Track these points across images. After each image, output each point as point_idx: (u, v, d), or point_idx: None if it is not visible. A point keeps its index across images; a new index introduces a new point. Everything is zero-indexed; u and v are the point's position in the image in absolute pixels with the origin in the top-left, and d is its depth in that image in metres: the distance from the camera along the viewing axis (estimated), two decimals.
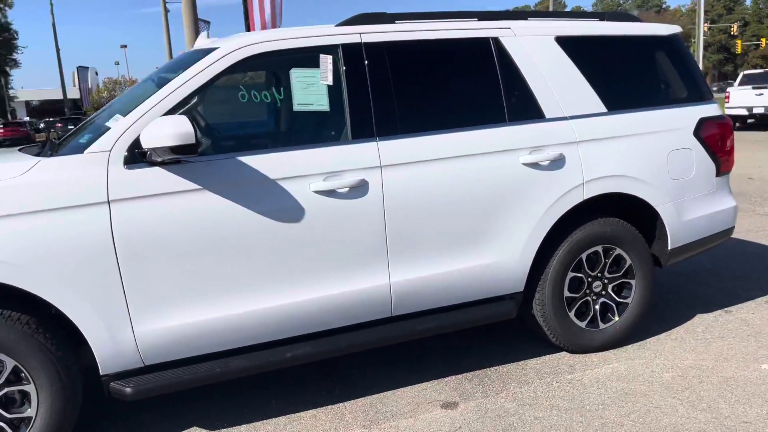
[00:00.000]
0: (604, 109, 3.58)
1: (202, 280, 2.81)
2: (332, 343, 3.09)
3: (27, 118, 49.68)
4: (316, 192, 2.93)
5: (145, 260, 2.71)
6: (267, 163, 2.89)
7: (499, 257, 3.34)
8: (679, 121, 3.77)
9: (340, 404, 3.26)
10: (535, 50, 3.49)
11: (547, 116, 3.45)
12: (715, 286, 4.77)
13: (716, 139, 3.85)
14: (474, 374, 3.50)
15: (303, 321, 3.02)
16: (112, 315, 2.70)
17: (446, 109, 3.33)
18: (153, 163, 2.72)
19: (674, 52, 3.87)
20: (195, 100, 2.91)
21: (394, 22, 3.30)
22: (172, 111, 2.80)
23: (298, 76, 3.05)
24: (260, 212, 2.86)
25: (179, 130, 2.57)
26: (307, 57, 3.09)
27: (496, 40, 3.41)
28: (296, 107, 3.05)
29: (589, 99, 3.56)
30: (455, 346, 3.86)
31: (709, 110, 3.87)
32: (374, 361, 3.70)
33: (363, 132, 3.08)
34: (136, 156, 2.73)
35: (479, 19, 3.48)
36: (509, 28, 3.47)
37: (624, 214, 3.75)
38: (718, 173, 3.90)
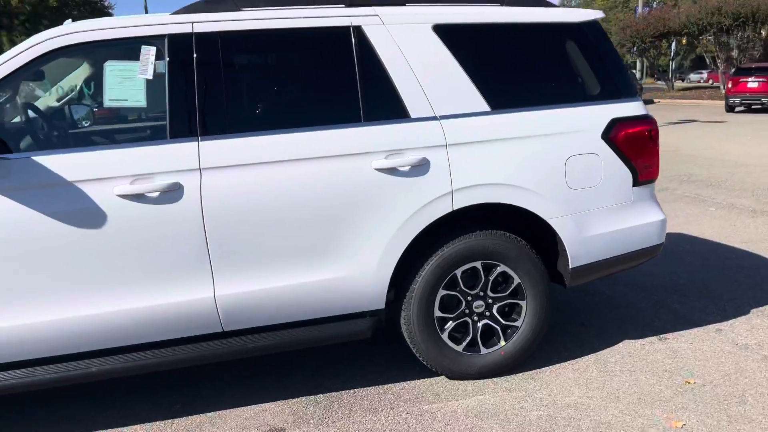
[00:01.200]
0: (486, 108, 3.15)
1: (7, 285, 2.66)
2: (150, 356, 2.88)
3: None
4: (121, 196, 2.71)
5: None
6: (66, 164, 2.69)
7: (350, 271, 3.01)
8: (583, 121, 3.27)
9: (172, 420, 3.06)
10: (405, 41, 3.10)
11: (413, 116, 3.06)
12: (668, 306, 4.21)
13: (632, 142, 3.33)
14: (327, 396, 3.21)
15: (116, 333, 2.83)
16: None
17: (288, 107, 3.01)
18: None
19: (587, 42, 3.36)
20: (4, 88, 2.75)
21: (239, 9, 3.00)
22: None
23: (113, 69, 2.83)
24: (57, 217, 2.67)
25: None
26: (132, 48, 2.86)
27: (357, 29, 3.05)
28: (107, 103, 2.84)
29: (469, 96, 3.13)
30: (327, 364, 3.56)
31: (626, 109, 3.34)
32: (239, 374, 3.47)
33: (183, 131, 2.82)
34: None
35: (347, 5, 3.13)
36: (376, 15, 3.09)
37: (519, 227, 3.32)
38: (637, 182, 3.37)
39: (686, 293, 4.44)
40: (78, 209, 2.68)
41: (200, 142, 2.81)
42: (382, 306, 3.12)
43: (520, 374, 3.36)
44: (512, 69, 3.29)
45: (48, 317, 2.72)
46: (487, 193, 3.11)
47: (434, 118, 3.07)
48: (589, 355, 3.56)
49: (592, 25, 3.39)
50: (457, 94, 3.12)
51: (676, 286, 4.58)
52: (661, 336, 3.78)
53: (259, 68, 3.02)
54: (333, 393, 3.24)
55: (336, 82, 3.06)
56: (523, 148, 3.16)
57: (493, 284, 3.27)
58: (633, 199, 3.39)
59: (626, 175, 3.33)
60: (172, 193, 2.76)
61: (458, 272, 3.18)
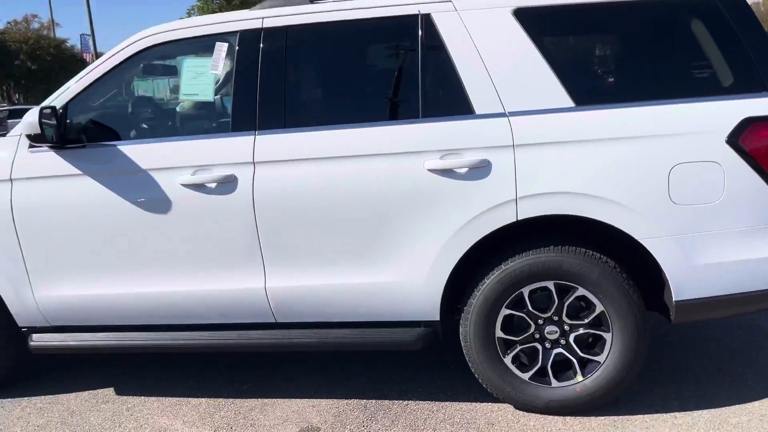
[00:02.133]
0: (569, 103, 2.68)
1: (85, 259, 3.04)
2: (203, 338, 3.04)
3: None
4: (184, 185, 2.89)
5: (38, 234, 3.05)
6: (140, 154, 2.94)
7: (399, 277, 2.83)
8: (699, 121, 2.60)
9: (233, 400, 3.20)
10: (478, 28, 2.77)
11: (477, 112, 2.73)
12: None
13: None
14: (378, 404, 3.07)
15: (181, 310, 3.04)
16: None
17: (348, 101, 2.92)
18: (51, 147, 3.01)
19: (720, 20, 2.65)
20: (100, 87, 3.09)
21: (312, 2, 2.96)
22: (75, 98, 3.04)
23: (189, 65, 3.01)
24: (131, 201, 2.94)
25: (30, 120, 2.80)
26: (209, 45, 3.01)
27: (426, 17, 2.80)
28: (182, 97, 3.02)
29: (548, 90, 2.69)
30: (396, 368, 3.39)
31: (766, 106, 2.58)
32: (312, 365, 3.50)
33: (243, 125, 2.89)
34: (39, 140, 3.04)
35: None
36: (449, 1, 2.81)
37: (609, 246, 2.79)
38: None
39: None
40: (150, 196, 2.92)
41: (257, 136, 2.86)
42: (437, 317, 2.88)
43: (600, 418, 2.84)
44: (609, 57, 2.76)
45: (139, 289, 3.02)
46: (561, 204, 2.67)
47: (502, 115, 2.71)
48: (706, 411, 2.88)
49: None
50: (535, 87, 2.71)
51: None
52: None
53: (322, 62, 2.96)
54: (386, 401, 3.09)
55: (398, 75, 2.87)
56: (611, 151, 2.63)
57: (571, 309, 2.81)
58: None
59: (762, 191, 2.59)
60: (228, 185, 2.86)
61: (525, 291, 2.79)
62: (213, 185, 2.87)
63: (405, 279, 2.83)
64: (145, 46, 3.02)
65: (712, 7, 2.65)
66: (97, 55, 38.10)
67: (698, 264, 2.65)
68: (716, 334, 3.64)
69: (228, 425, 2.97)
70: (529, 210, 2.68)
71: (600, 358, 2.81)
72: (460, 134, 2.73)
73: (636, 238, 2.65)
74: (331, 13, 2.88)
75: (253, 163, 2.84)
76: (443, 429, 2.84)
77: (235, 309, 2.99)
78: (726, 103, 2.60)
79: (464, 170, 2.70)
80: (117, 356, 3.61)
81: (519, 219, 2.70)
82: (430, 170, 2.72)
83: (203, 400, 3.22)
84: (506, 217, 2.70)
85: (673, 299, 2.69)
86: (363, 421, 2.93)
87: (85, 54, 40.30)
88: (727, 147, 2.57)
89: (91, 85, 3.04)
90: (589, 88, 2.71)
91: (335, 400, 3.13)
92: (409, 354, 3.45)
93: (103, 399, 3.30)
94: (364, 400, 3.11)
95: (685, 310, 2.71)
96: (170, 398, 3.27)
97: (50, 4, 52.39)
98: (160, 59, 3.23)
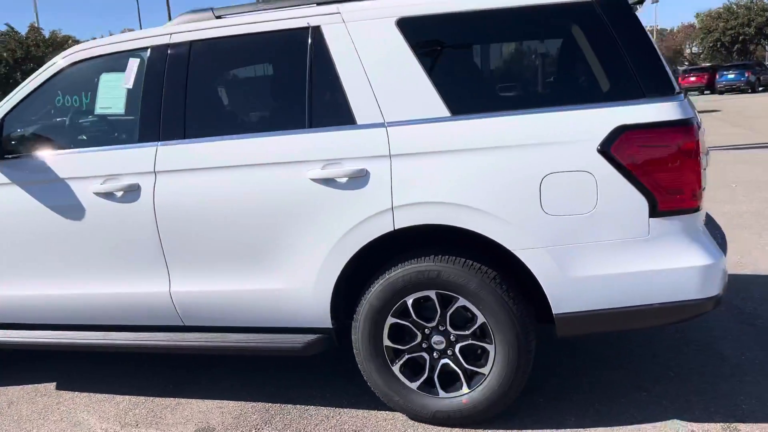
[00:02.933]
0: (445, 113, 2.67)
1: (14, 262, 3.26)
2: (115, 339, 3.20)
3: None
4: (96, 193, 3.06)
5: None
6: (60, 164, 3.14)
7: (289, 284, 2.90)
8: (571, 130, 2.54)
9: (152, 398, 3.35)
10: (363, 39, 2.81)
11: (359, 122, 2.77)
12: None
13: (647, 158, 2.47)
14: (281, 408, 3.14)
15: (100, 313, 3.21)
16: None
17: (242, 112, 3.02)
18: None
19: (598, 24, 2.57)
20: (33, 102, 3.32)
21: (218, 17, 3.08)
22: (11, 112, 3.28)
23: (104, 80, 3.19)
24: (51, 208, 3.13)
25: None
26: (124, 61, 3.18)
27: (316, 29, 2.87)
28: (97, 111, 3.20)
29: (426, 100, 2.69)
30: (317, 374, 3.45)
31: (644, 113, 2.48)
32: (236, 366, 3.61)
33: (149, 135, 3.04)
34: None
35: (317, 4, 2.96)
36: (338, 12, 2.86)
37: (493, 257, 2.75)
38: (656, 212, 2.50)
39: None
40: (65, 203, 3.11)
41: (159, 147, 3.00)
42: (329, 324, 2.93)
43: (491, 431, 2.80)
44: (488, 66, 2.72)
45: (53, 291, 3.22)
46: (435, 213, 2.66)
47: (381, 125, 2.73)
48: (601, 428, 2.78)
49: (611, 1, 2.58)
50: (413, 97, 2.72)
51: None
52: (733, 425, 2.74)
53: (221, 75, 3.06)
54: (289, 405, 3.16)
55: (287, 86, 2.95)
56: (484, 161, 2.61)
57: (458, 320, 2.79)
58: (652, 233, 2.52)
59: (638, 201, 2.50)
60: (132, 193, 3.01)
61: (409, 300, 2.79)
62: (120, 194, 3.03)
63: (294, 286, 2.89)
64: (69, 63, 3.22)
65: (590, 11, 2.58)
66: None
67: (574, 276, 2.58)
68: (657, 350, 3.50)
69: (136, 422, 3.12)
70: (405, 219, 2.69)
71: (485, 370, 2.77)
72: (341, 144, 2.77)
73: (510, 249, 2.61)
74: (230, 28, 2.99)
75: (155, 172, 2.98)
76: None
77: (145, 312, 3.14)
78: (599, 111, 2.52)
79: (344, 180, 2.74)
80: (79, 353, 3.83)
81: (396, 228, 2.71)
82: (312, 180, 2.77)
83: (128, 397, 3.39)
84: (384, 227, 2.72)
85: (554, 312, 2.63)
86: (257, 424, 3.00)
87: None
88: (599, 156, 2.49)
89: (23, 99, 3.28)
90: (465, 97, 2.69)
91: (244, 402, 3.22)
92: (328, 360, 3.51)
93: (42, 392, 3.53)
94: (270, 404, 3.19)
95: (566, 324, 2.65)
96: (101, 394, 3.45)
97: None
98: (90, 74, 3.42)
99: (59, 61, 3.24)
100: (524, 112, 2.59)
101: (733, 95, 34.07)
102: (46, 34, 35.33)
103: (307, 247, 2.83)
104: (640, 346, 3.56)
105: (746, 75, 35.92)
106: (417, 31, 2.75)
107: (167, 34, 3.08)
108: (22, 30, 33.87)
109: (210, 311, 3.06)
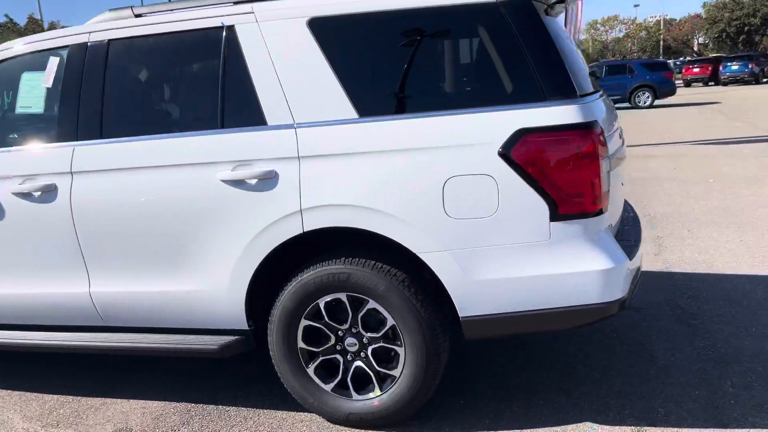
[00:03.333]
0: (353, 115, 2.65)
1: None
2: (40, 338, 3.21)
3: None
4: (14, 194, 3.06)
5: None
6: None
7: (204, 285, 2.89)
8: (472, 133, 2.51)
9: (87, 399, 3.36)
10: (274, 39, 2.78)
11: (270, 123, 2.75)
12: (695, 387, 2.99)
13: (545, 162, 2.44)
14: (202, 408, 3.14)
15: (28, 312, 3.22)
16: None
17: (157, 112, 3.00)
18: None
19: (501, 26, 2.53)
20: None
21: (138, 16, 3.06)
22: None
23: (27, 78, 3.18)
24: None
25: None
26: (46, 59, 3.17)
27: (230, 29, 2.84)
28: (18, 110, 3.19)
29: (335, 101, 2.67)
30: (248, 376, 3.45)
31: (544, 115, 2.45)
32: (166, 367, 3.61)
33: (67, 135, 3.03)
34: None
35: (234, 3, 2.93)
36: (251, 12, 2.83)
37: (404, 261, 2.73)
38: (557, 215, 2.47)
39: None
40: None
41: (75, 147, 2.99)
42: (245, 327, 2.92)
43: None
44: (396, 67, 2.68)
45: None
46: (341, 216, 2.65)
47: (290, 126, 2.71)
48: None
49: (518, 2, 2.55)
50: (322, 98, 2.69)
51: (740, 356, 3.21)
52: (643, 429, 2.72)
53: (137, 74, 3.04)
54: (210, 406, 3.16)
55: (205, 87, 2.92)
56: (388, 164, 2.59)
57: (371, 323, 2.78)
58: (553, 237, 2.50)
59: (538, 205, 2.47)
60: (50, 194, 3.01)
61: (321, 302, 2.78)
62: (38, 194, 3.02)
63: (209, 287, 2.88)
64: (4, 57, 3.21)
65: (495, 13, 2.54)
66: None
67: (477, 280, 2.56)
68: (590, 350, 3.48)
69: (57, 422, 3.13)
70: (314, 222, 2.67)
71: (396, 373, 2.76)
72: (251, 145, 2.75)
73: (415, 252, 2.60)
74: (148, 27, 2.97)
75: (71, 172, 2.97)
76: None
77: (68, 312, 3.14)
78: (500, 114, 2.49)
79: (254, 181, 2.72)
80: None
81: (305, 231, 2.69)
82: (223, 181, 2.76)
83: (56, 396, 3.40)
84: (293, 229, 2.70)
85: (460, 315, 2.62)
86: (175, 425, 3.01)
87: None
88: (500, 160, 2.46)
89: None
90: (373, 99, 2.66)
91: (168, 402, 3.23)
92: (261, 361, 3.50)
93: None
94: (193, 404, 3.19)
95: (472, 327, 2.63)
96: (31, 393, 3.46)
97: None
98: (14, 73, 3.40)
99: None
100: (427, 115, 2.56)
101: (737, 87, 33.91)
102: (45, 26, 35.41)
103: (220, 249, 2.82)
104: (574, 346, 3.55)
105: (750, 66, 35.72)
106: (327, 31, 2.72)
107: (86, 32, 3.07)
108: (22, 22, 33.97)
109: (129, 312, 3.05)
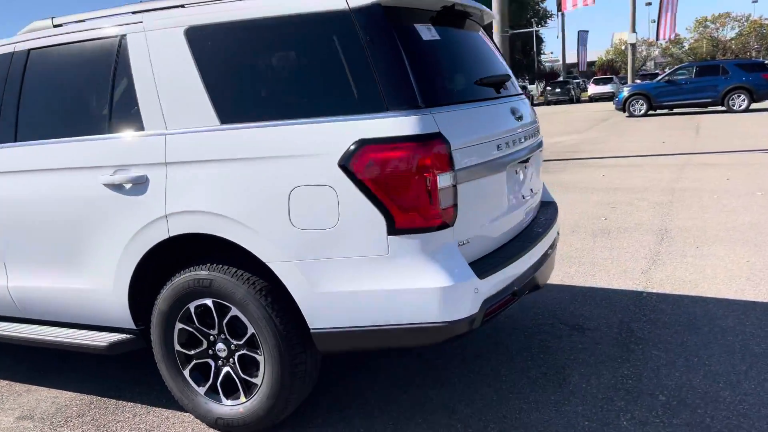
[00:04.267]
0: (215, 123, 2.67)
1: None
2: None
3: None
4: None
5: None
6: None
7: (92, 284, 3.01)
8: (316, 142, 2.46)
9: (9, 383, 3.60)
10: (156, 48, 2.85)
11: (147, 129, 2.83)
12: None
13: (382, 175, 2.36)
14: (103, 401, 3.28)
15: None
16: None
17: (58, 117, 3.14)
18: None
19: (350, 34, 2.47)
20: None
21: (57, 26, 3.23)
22: None
23: None
24: None
25: None
26: None
27: (123, 38, 2.95)
28: None
29: (201, 109, 2.71)
30: None
31: (381, 127, 2.37)
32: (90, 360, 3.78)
33: None
34: None
35: (133, 13, 3.03)
36: (141, 22, 2.92)
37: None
38: (394, 230, 2.38)
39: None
40: None
41: None
42: (132, 326, 3.02)
43: None
44: (255, 76, 2.68)
45: None
46: (198, 222, 2.68)
47: (162, 134, 2.78)
48: None
49: (366, 11, 2.47)
50: (191, 106, 2.74)
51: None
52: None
53: (45, 82, 3.18)
54: (114, 400, 3.29)
55: (98, 94, 3.04)
56: (239, 171, 2.59)
57: (233, 330, 2.79)
58: (391, 252, 2.41)
59: (376, 218, 2.39)
60: None
61: (191, 307, 2.83)
62: None
63: (97, 287, 3.00)
64: None
65: (347, 21, 2.48)
66: None
67: (322, 292, 2.51)
68: (503, 370, 3.32)
69: None
70: (177, 227, 2.72)
71: (258, 381, 2.76)
72: (128, 151, 2.84)
73: (264, 261, 2.59)
74: (58, 37, 3.13)
75: None
76: (121, 430, 2.97)
77: None
78: (342, 124, 2.43)
79: (129, 185, 2.81)
80: None
81: (171, 236, 2.75)
82: (104, 185, 2.87)
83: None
84: (161, 234, 2.77)
85: (310, 327, 2.58)
86: (71, 415, 3.15)
87: None
88: (340, 171, 2.41)
89: None
90: (233, 107, 2.67)
91: (80, 394, 3.39)
92: None
93: None
94: (99, 398, 3.33)
95: (323, 341, 2.58)
96: None
97: None
98: None
99: None
100: (275, 124, 2.54)
101: None
102: None
103: (104, 250, 2.93)
104: (491, 363, 3.39)
105: None
106: (199, 40, 2.76)
107: (14, 42, 3.28)
108: None
109: (40, 306, 3.24)
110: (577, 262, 5.19)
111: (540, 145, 3.46)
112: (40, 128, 3.17)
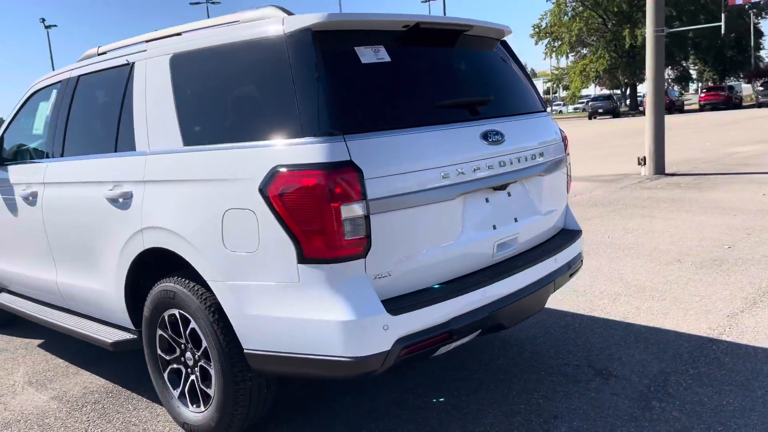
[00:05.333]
0: (180, 144, 2.84)
1: None
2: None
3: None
4: (21, 196, 3.90)
5: None
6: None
7: (103, 286, 3.35)
8: (242, 167, 2.50)
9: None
10: (150, 74, 3.10)
11: (137, 149, 3.08)
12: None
13: (292, 202, 2.32)
14: (122, 392, 3.60)
15: (34, 288, 4.08)
16: None
17: (92, 136, 3.54)
18: None
19: (283, 60, 2.46)
20: (16, 122, 4.30)
21: (101, 54, 3.64)
22: (6, 130, 4.31)
23: (41, 107, 4.00)
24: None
25: None
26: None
27: (132, 65, 3.24)
28: (33, 131, 4.02)
29: (171, 131, 2.89)
30: None
31: (294, 154, 2.33)
32: None
33: (44, 155, 3.79)
34: None
35: (147, 41, 3.31)
36: (145, 50, 3.19)
37: None
38: (303, 258, 2.33)
39: None
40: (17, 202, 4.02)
41: (48, 164, 3.71)
42: (132, 327, 3.30)
43: None
44: (212, 100, 2.78)
45: None
46: (159, 237, 2.88)
47: (144, 153, 3.01)
48: None
49: (297, 35, 2.45)
50: (166, 128, 2.94)
51: None
52: None
53: (83, 105, 3.60)
54: (126, 391, 3.61)
55: (111, 116, 3.34)
56: (189, 192, 2.74)
57: (195, 340, 2.93)
58: (302, 280, 2.36)
59: (287, 246, 2.37)
60: (34, 198, 3.77)
61: (166, 315, 3.02)
62: (30, 197, 3.81)
63: (105, 288, 3.33)
64: (31, 92, 4.12)
65: (281, 48, 2.48)
66: None
67: (247, 314, 2.54)
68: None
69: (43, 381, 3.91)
70: (148, 240, 2.93)
71: (212, 392, 2.87)
72: (122, 169, 3.12)
73: (205, 279, 2.68)
74: (94, 65, 3.54)
75: (44, 183, 3.69)
76: (117, 420, 3.26)
77: (44, 291, 3.91)
78: (265, 149, 2.44)
79: (121, 200, 3.09)
80: None
81: (145, 248, 2.97)
82: (105, 198, 3.18)
83: (51, 358, 4.20)
84: (139, 245, 3.00)
85: (243, 348, 2.62)
86: (86, 402, 3.52)
87: None
88: (260, 196, 2.42)
89: (11, 121, 4.29)
90: (191, 129, 2.79)
91: (109, 383, 3.77)
92: None
93: None
94: (118, 387, 3.68)
95: (254, 361, 2.61)
96: (44, 353, 4.32)
97: None
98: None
99: (28, 91, 4.16)
100: (217, 147, 2.64)
101: None
102: None
103: (107, 256, 3.25)
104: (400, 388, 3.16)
105: None
106: (176, 66, 2.95)
107: (70, 69, 3.76)
108: None
109: (74, 300, 3.67)
110: (656, 296, 4.59)
111: (547, 168, 3.15)
112: (76, 146, 3.60)
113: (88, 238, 3.37)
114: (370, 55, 2.57)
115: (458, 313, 2.54)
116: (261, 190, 2.41)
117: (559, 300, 4.55)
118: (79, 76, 3.65)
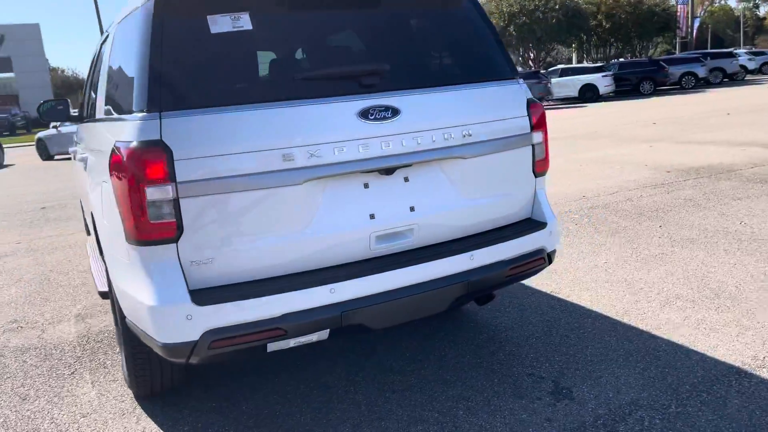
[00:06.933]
0: (102, 114, 2.98)
1: None
2: None
3: None
4: None
5: None
6: None
7: None
8: (105, 140, 2.59)
9: None
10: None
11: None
12: None
13: (115, 181, 2.32)
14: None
15: None
16: None
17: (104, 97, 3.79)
18: None
19: (140, 31, 2.40)
20: None
21: None
22: None
23: None
24: None
25: None
26: None
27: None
28: None
29: (100, 100, 3.04)
30: None
31: (122, 131, 2.34)
32: None
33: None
34: None
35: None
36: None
37: None
38: (127, 238, 2.30)
39: None
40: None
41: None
42: None
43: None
44: (116, 71, 2.83)
45: None
46: (85, 204, 3.05)
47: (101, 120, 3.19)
48: None
49: (144, 6, 2.37)
50: (102, 97, 3.09)
51: None
52: None
53: (111, 60, 3.83)
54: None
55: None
56: (91, 160, 2.91)
57: None
58: (130, 260, 2.35)
59: (119, 224, 2.36)
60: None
61: None
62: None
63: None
64: None
65: (137, 21, 2.45)
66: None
67: (117, 285, 2.61)
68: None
69: None
70: (85, 206, 3.14)
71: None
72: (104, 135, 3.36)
73: (102, 248, 2.80)
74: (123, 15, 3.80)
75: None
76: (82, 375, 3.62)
77: None
78: (113, 125, 2.51)
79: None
80: None
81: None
82: (88, 161, 3.46)
83: None
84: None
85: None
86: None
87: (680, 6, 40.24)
88: (108, 170, 2.43)
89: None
90: (110, 101, 2.88)
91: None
92: None
93: None
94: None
95: (133, 332, 2.67)
96: None
97: None
98: None
99: None
100: (101, 119, 2.75)
101: None
102: None
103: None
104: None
105: None
106: (115, 37, 3.05)
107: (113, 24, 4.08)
108: None
109: None
110: (724, 307, 3.69)
111: (485, 149, 2.67)
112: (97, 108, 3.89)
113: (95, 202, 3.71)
114: (224, 23, 2.38)
115: (294, 309, 2.32)
116: (107, 165, 2.43)
117: (592, 298, 3.91)
118: (115, 29, 3.96)
